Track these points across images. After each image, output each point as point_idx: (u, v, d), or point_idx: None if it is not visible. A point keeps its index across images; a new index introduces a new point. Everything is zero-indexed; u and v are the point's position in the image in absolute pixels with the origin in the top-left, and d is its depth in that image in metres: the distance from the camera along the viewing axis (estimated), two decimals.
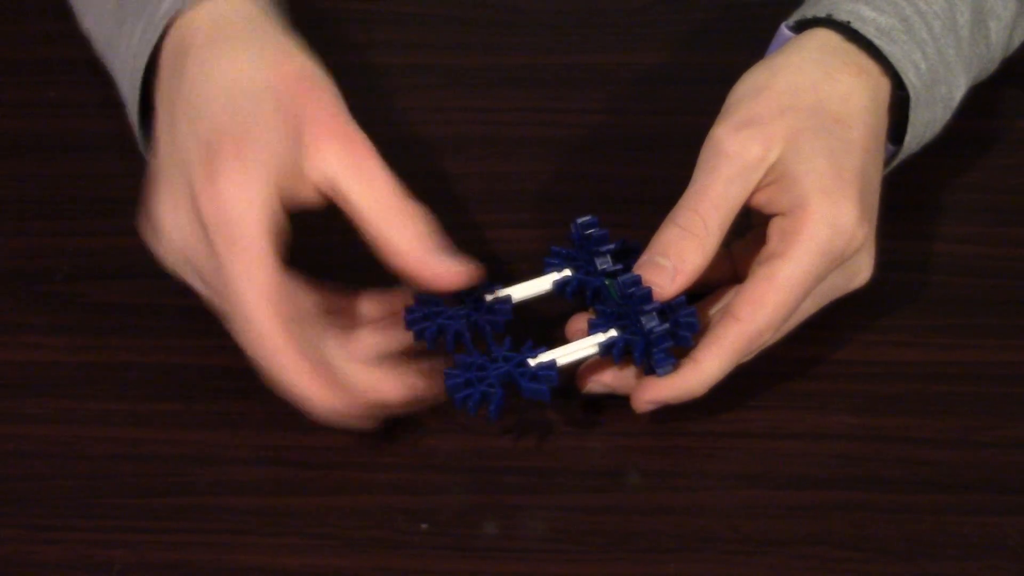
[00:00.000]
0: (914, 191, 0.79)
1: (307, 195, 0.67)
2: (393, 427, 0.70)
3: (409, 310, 0.70)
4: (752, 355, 0.69)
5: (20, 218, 0.80)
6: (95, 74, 0.88)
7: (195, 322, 0.74)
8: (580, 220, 0.72)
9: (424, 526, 0.67)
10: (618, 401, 0.70)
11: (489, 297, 0.70)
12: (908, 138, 0.73)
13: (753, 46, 0.76)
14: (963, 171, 0.82)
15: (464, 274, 0.67)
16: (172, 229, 0.67)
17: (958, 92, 0.75)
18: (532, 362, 0.68)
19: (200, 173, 0.65)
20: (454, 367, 0.67)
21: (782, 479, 0.69)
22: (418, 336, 0.69)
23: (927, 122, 0.74)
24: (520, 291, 0.71)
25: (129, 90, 0.73)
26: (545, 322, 0.73)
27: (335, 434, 0.70)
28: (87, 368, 0.73)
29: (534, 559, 0.66)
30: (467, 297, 0.70)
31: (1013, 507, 0.68)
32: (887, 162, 0.74)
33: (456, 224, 0.79)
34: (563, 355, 0.68)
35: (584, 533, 0.67)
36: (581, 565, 0.66)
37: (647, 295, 0.67)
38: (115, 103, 0.86)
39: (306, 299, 0.67)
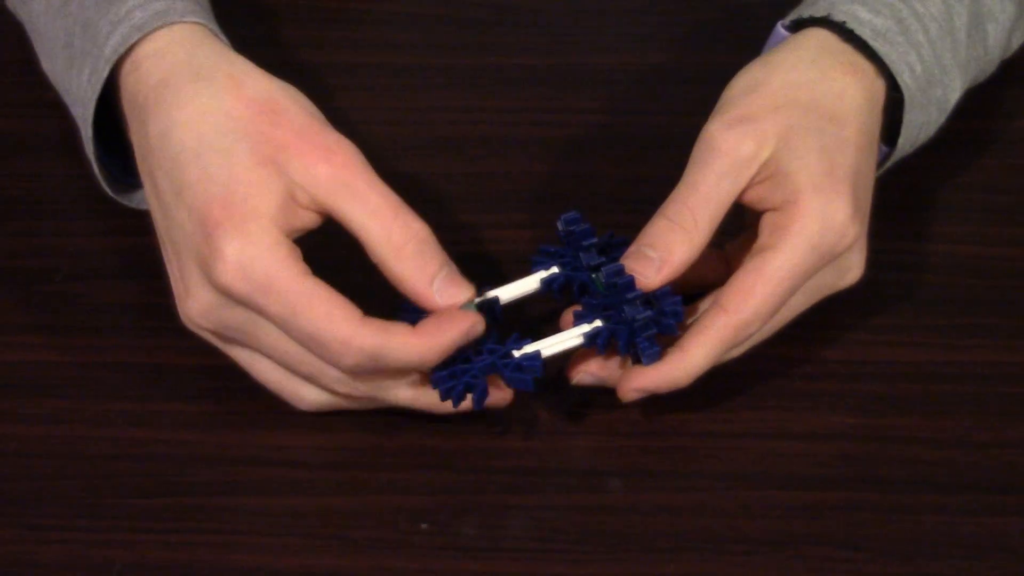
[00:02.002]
0: (914, 191, 0.79)
1: (307, 220, 0.67)
2: (393, 427, 0.70)
3: (435, 367, 0.68)
4: (741, 349, 0.69)
5: (20, 218, 0.80)
6: None
7: None
8: (565, 215, 0.72)
9: (424, 526, 0.67)
10: (618, 401, 0.70)
11: (517, 353, 0.69)
12: (901, 140, 0.73)
13: (751, 47, 0.76)
14: (963, 171, 0.82)
15: (462, 322, 0.66)
16: (204, 312, 0.66)
17: (953, 95, 0.75)
18: (517, 353, 0.68)
19: (207, 253, 0.65)
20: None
21: (782, 479, 0.69)
22: (444, 396, 0.67)
23: (921, 124, 0.74)
24: (508, 291, 0.71)
25: (84, 133, 0.73)
26: (537, 319, 0.73)
27: (335, 434, 0.70)
28: (87, 368, 0.73)
29: (534, 559, 0.66)
30: (490, 347, 0.68)
31: (1013, 507, 0.68)
32: (880, 163, 0.74)
33: (456, 224, 0.79)
34: (548, 346, 0.68)
35: (584, 533, 0.67)
36: (581, 565, 0.66)
37: (630, 283, 0.68)
38: None
39: None
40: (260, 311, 0.65)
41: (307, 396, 0.68)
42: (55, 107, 0.83)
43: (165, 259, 0.69)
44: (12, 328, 0.75)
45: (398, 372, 0.67)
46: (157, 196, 0.68)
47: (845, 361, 0.73)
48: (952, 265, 0.77)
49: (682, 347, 0.68)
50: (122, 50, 0.70)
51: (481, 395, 0.67)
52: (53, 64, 0.76)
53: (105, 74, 0.70)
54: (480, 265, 0.73)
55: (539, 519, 0.67)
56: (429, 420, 0.70)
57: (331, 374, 0.67)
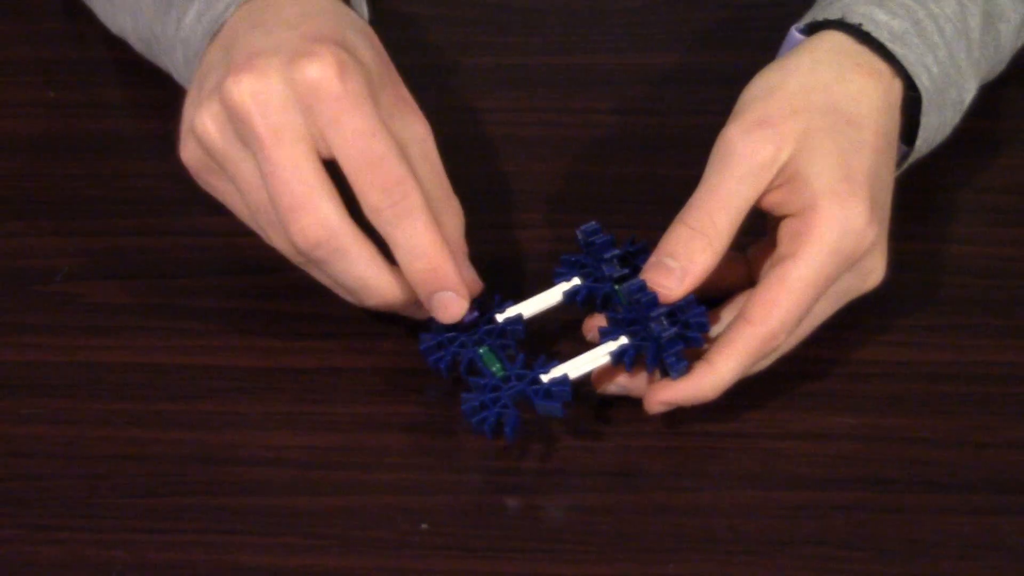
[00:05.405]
0: (914, 192, 0.78)
1: None
2: (393, 427, 0.70)
3: (422, 338, 0.70)
4: (769, 360, 0.69)
5: (20, 218, 0.80)
6: (95, 74, 0.88)
7: (195, 322, 0.75)
8: (584, 227, 0.72)
9: (424, 526, 0.67)
10: (618, 402, 0.70)
11: (500, 317, 0.70)
12: (919, 141, 0.73)
13: (757, 46, 0.76)
14: (963, 172, 0.82)
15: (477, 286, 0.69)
16: (207, 123, 0.67)
17: (968, 95, 0.76)
18: (545, 378, 0.68)
19: (228, 70, 0.67)
20: (470, 391, 0.68)
21: (782, 479, 0.69)
22: (433, 366, 0.69)
23: (938, 125, 0.74)
24: (531, 306, 0.71)
25: (179, 75, 0.75)
26: (559, 327, 0.73)
27: (335, 434, 0.70)
28: (87, 368, 0.73)
29: (534, 559, 0.66)
30: (479, 319, 0.70)
31: (1013, 507, 0.68)
32: (899, 163, 0.74)
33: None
34: (575, 368, 0.68)
35: (584, 533, 0.67)
36: (581, 565, 0.66)
37: (654, 300, 0.68)
38: (113, 103, 0.87)
39: None
40: (251, 139, 0.66)
41: (273, 239, 0.69)
42: (54, 107, 0.83)
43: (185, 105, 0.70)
44: (12, 328, 0.75)
45: (338, 277, 0.68)
46: (201, 64, 0.70)
47: (845, 361, 0.73)
48: (953, 265, 0.77)
49: (709, 361, 0.67)
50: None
51: (514, 425, 0.67)
52: (136, 16, 0.77)
53: (220, 21, 0.71)
54: (480, 265, 0.73)
55: (539, 519, 0.67)
56: (427, 420, 0.70)
57: (278, 242, 0.68)
